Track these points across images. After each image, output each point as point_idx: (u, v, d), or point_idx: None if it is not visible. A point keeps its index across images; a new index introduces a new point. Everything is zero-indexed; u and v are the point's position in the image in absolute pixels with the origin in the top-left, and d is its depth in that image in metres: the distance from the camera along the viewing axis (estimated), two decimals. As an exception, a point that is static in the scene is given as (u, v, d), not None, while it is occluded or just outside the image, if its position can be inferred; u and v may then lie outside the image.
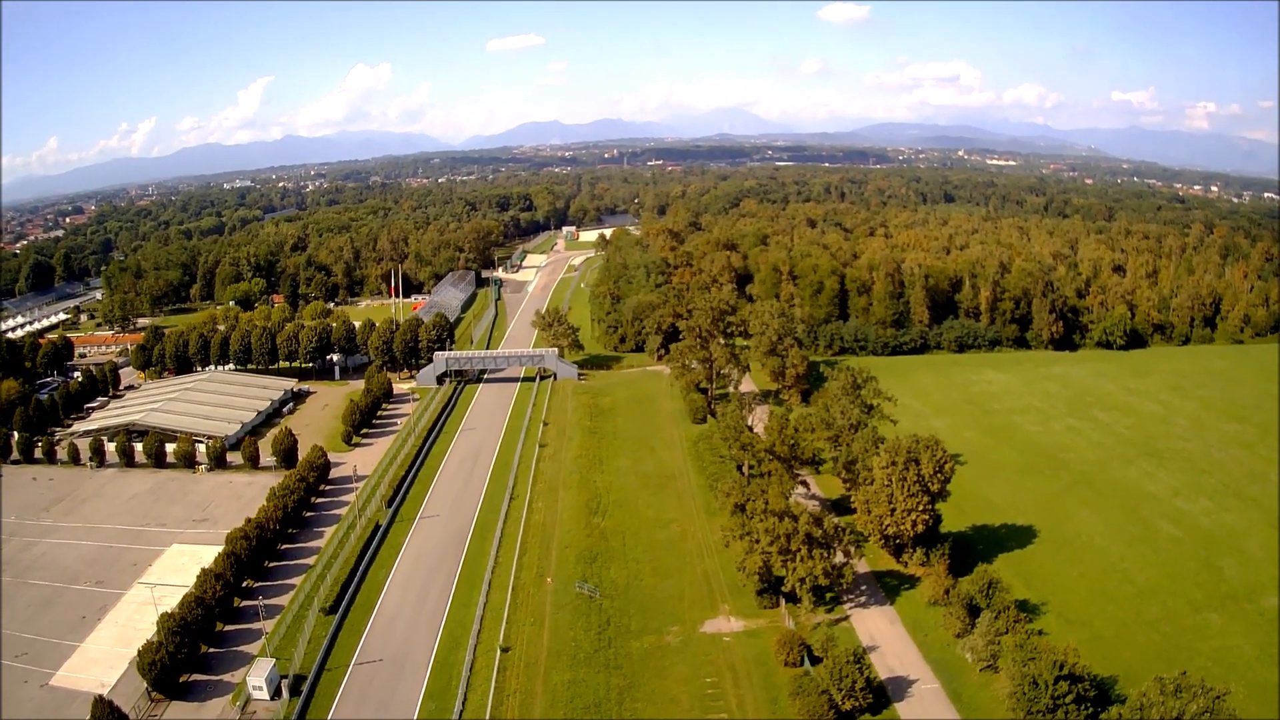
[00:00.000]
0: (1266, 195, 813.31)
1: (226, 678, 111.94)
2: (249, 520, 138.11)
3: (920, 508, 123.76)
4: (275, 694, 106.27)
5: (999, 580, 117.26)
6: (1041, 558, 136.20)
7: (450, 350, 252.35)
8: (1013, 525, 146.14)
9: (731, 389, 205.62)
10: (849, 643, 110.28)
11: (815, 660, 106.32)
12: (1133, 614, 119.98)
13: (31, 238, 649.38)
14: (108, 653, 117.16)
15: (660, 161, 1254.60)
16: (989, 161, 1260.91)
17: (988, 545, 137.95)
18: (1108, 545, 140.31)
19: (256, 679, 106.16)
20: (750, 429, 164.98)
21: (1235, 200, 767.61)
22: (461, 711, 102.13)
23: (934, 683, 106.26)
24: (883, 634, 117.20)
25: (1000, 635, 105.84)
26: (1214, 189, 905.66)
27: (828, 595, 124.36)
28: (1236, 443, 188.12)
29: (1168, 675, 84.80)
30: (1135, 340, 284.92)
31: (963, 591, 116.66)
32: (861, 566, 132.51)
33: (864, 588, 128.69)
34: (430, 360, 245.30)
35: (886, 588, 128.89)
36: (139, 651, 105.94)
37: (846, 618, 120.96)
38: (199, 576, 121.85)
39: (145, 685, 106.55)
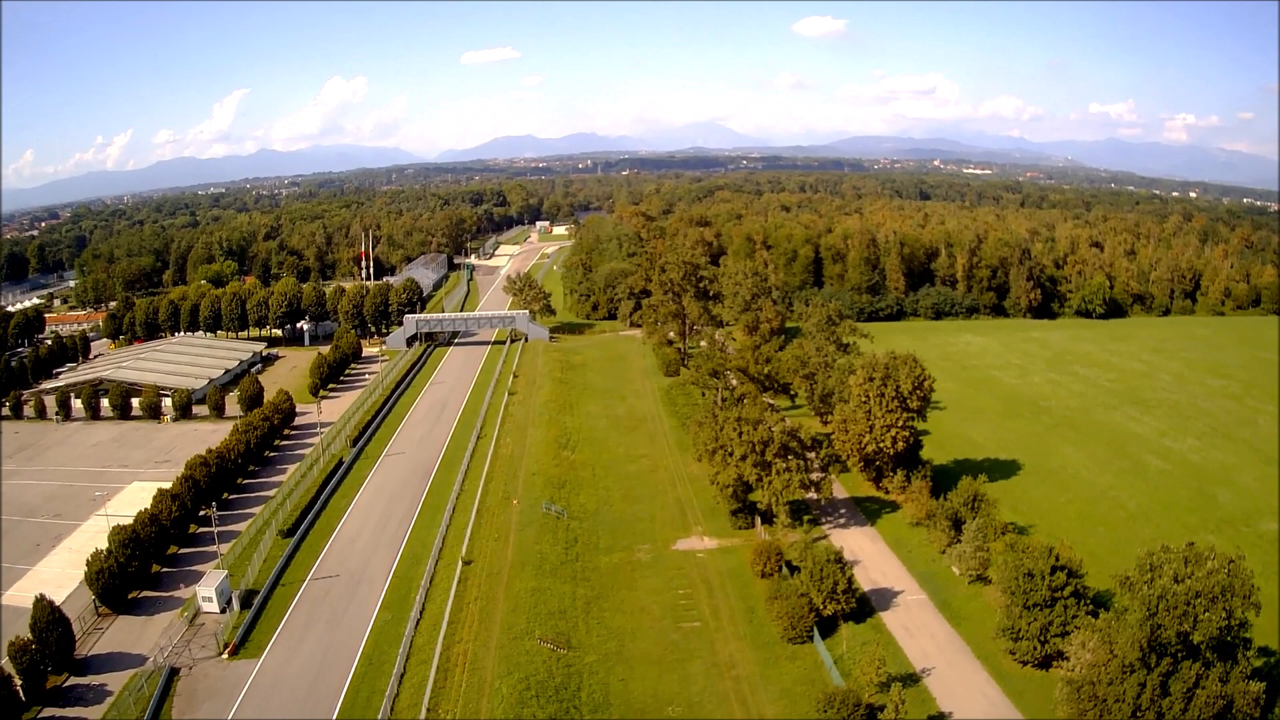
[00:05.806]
0: (1245, 201, 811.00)
1: (177, 593, 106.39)
2: (210, 450, 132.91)
3: (900, 423, 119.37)
4: (225, 606, 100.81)
5: (984, 494, 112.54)
6: (1027, 487, 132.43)
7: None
8: (996, 459, 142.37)
9: (705, 345, 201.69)
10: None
11: (794, 570, 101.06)
12: (1126, 535, 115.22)
13: (7, 237, 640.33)
14: (59, 574, 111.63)
15: (634, 171, 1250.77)
16: (965, 170, 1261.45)
17: (972, 476, 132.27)
18: (1095, 477, 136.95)
19: (206, 590, 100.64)
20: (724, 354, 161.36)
21: (1213, 201, 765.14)
22: (419, 619, 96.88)
23: (920, 594, 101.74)
24: (864, 550, 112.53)
25: (989, 542, 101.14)
26: (1192, 195, 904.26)
27: (805, 517, 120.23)
28: (1222, 395, 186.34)
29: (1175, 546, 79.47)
30: (1114, 310, 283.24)
31: (948, 506, 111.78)
32: (840, 492, 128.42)
33: (843, 511, 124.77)
34: (400, 324, 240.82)
35: (867, 511, 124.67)
36: (87, 562, 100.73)
37: (825, 537, 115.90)
38: (155, 496, 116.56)
39: (92, 598, 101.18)
